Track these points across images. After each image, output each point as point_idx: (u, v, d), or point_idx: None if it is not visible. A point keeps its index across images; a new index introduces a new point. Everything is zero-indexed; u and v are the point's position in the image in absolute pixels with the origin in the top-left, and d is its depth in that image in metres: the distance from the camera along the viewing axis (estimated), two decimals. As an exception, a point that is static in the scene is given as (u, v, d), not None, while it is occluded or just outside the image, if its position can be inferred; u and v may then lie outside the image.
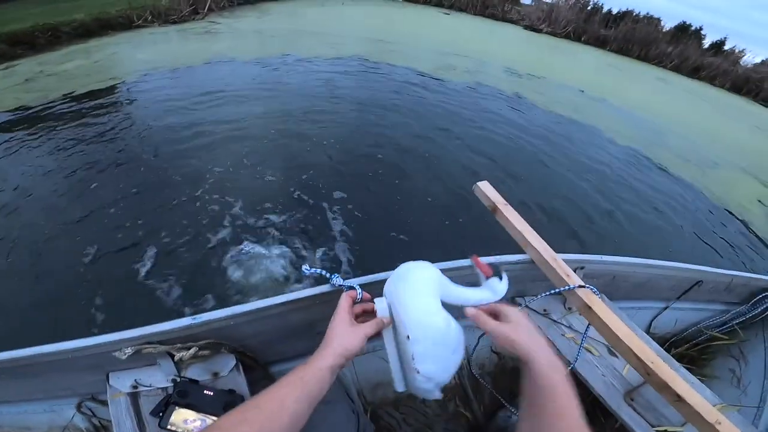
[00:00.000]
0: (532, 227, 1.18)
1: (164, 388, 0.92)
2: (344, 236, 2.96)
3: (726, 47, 25.51)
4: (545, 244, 1.11)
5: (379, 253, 2.88)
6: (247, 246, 2.70)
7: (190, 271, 2.46)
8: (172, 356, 0.88)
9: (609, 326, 0.92)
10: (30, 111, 4.14)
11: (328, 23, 11.37)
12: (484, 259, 0.96)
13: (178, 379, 0.91)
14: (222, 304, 2.26)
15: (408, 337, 0.71)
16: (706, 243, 4.16)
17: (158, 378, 0.92)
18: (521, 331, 0.69)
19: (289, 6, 13.11)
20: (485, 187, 1.25)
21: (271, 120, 4.66)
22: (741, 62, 24.14)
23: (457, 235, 3.18)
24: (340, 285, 0.88)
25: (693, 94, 15.60)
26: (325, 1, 15.30)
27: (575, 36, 21.01)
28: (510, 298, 1.36)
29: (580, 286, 0.98)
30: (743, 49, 25.66)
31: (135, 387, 0.91)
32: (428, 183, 3.87)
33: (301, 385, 0.63)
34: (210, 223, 2.87)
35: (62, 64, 5.47)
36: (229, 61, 6.62)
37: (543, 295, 1.04)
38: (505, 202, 1.21)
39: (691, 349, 1.66)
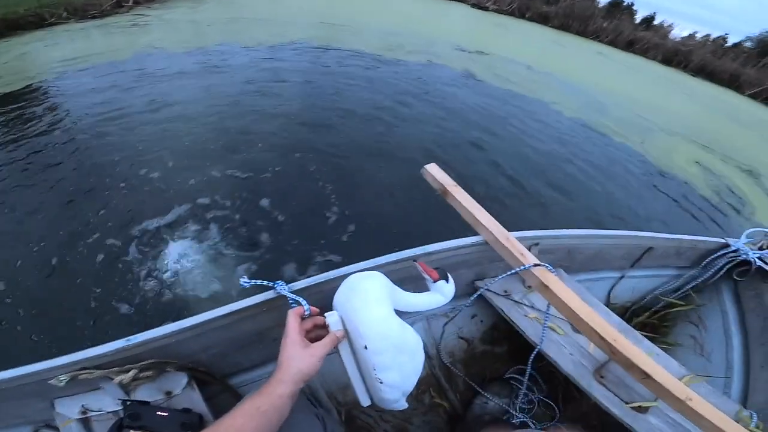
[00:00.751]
0: (484, 205, 1.14)
1: (115, 412, 0.88)
2: (286, 228, 2.84)
3: (656, 22, 27.20)
4: (497, 223, 1.05)
5: (329, 243, 2.78)
6: (179, 249, 2.52)
7: (117, 279, 2.27)
8: (112, 380, 0.84)
9: (568, 305, 0.86)
10: None
11: (271, 9, 10.84)
12: (434, 247, 0.99)
13: (128, 402, 0.86)
14: (157, 313, 2.10)
15: (366, 347, 0.70)
16: (652, 206, 4.35)
17: (106, 402, 0.87)
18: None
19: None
20: (433, 170, 1.21)
21: (208, 110, 4.42)
22: (670, 36, 25.76)
23: (407, 222, 3.11)
24: (284, 294, 0.85)
25: (629, 67, 16.53)
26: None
27: (520, 13, 21.56)
28: (471, 282, 1.32)
29: (536, 265, 0.90)
30: (671, 24, 27.48)
31: (84, 413, 0.86)
32: (377, 166, 3.77)
33: (258, 416, 0.60)
34: (138, 222, 2.67)
35: None
36: (159, 53, 6.17)
37: (501, 277, 0.97)
38: (455, 184, 1.17)
39: (652, 317, 1.66)
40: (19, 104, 4.11)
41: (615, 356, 0.83)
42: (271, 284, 0.86)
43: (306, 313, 0.77)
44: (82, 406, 0.86)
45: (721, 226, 4.32)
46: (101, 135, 3.67)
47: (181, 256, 2.47)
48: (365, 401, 0.78)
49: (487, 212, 1.10)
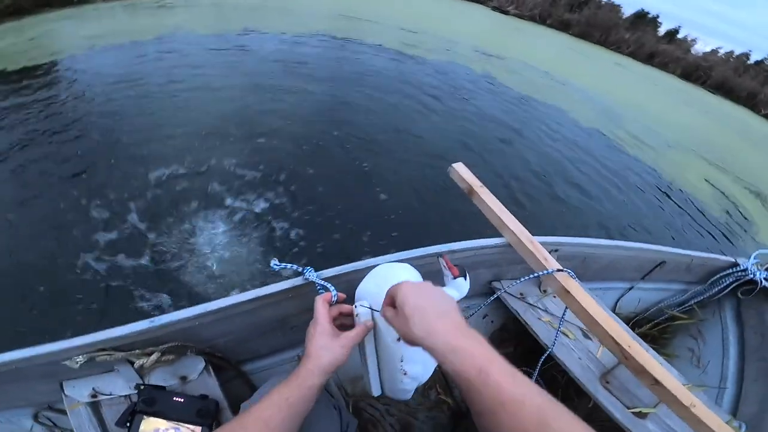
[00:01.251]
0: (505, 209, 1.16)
1: (127, 396, 0.85)
2: (309, 215, 2.87)
3: (680, 36, 26.75)
4: (522, 227, 1.09)
5: (348, 234, 2.81)
6: (209, 225, 2.56)
7: (149, 258, 2.28)
8: (132, 363, 0.81)
9: (587, 310, 0.91)
10: None
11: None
12: (457, 245, 1.03)
13: (142, 386, 0.84)
14: (185, 295, 2.11)
15: (399, 338, 0.69)
16: (661, 219, 4.38)
17: (119, 385, 0.85)
18: (411, 322, 0.56)
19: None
20: (461, 169, 1.22)
21: (229, 95, 4.46)
22: (692, 50, 25.38)
23: (429, 219, 3.15)
24: (313, 281, 0.84)
25: (647, 79, 16.39)
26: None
27: (540, 19, 21.39)
28: (488, 282, 1.35)
29: (559, 270, 0.94)
30: (695, 38, 27.09)
31: (94, 396, 0.83)
32: (400, 161, 3.82)
33: (286, 407, 0.59)
34: (164, 204, 2.68)
35: None
36: (184, 36, 6.21)
37: (523, 279, 1.01)
38: (481, 185, 1.19)
39: (653, 329, 1.70)
40: (43, 78, 4.17)
41: (627, 361, 0.87)
42: (300, 269, 0.86)
43: (333, 299, 0.76)
44: (93, 389, 0.84)
45: (724, 244, 4.39)
46: (121, 110, 3.74)
47: (205, 233, 2.51)
48: (377, 392, 0.78)
49: (512, 215, 1.13)
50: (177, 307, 1.98)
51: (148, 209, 2.60)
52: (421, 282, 0.64)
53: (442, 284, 0.81)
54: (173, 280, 2.18)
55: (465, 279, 0.79)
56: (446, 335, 0.53)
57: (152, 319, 0.79)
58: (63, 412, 0.87)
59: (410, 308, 0.57)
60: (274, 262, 0.82)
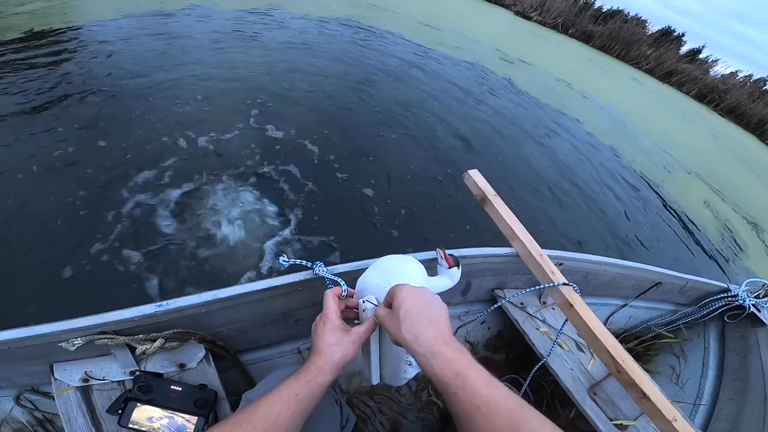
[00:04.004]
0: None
1: (121, 382, 0.82)
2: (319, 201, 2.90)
3: (701, 55, 26.15)
4: (532, 239, 1.13)
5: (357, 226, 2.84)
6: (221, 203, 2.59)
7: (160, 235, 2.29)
8: (133, 348, 0.79)
9: (587, 324, 0.95)
10: None
11: None
12: (465, 251, 1.07)
13: (138, 372, 0.82)
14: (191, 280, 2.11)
15: None
16: (658, 238, 4.49)
17: (114, 370, 0.82)
18: (402, 326, 0.58)
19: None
20: (476, 176, 1.22)
21: (254, 70, 4.54)
22: (711, 71, 24.90)
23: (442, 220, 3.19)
24: (323, 276, 0.84)
25: (662, 98, 16.35)
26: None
27: (563, 28, 21.04)
28: (491, 289, 1.39)
29: (565, 284, 0.98)
30: (717, 60, 26.44)
31: (86, 380, 0.80)
32: (413, 160, 3.84)
33: (296, 403, 0.58)
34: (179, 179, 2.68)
35: (23, 5, 4.82)
36: (210, 8, 6.28)
37: (527, 290, 1.04)
38: (495, 193, 1.20)
39: (639, 345, 1.76)
40: (61, 43, 4.10)
41: (619, 375, 0.93)
42: (309, 264, 0.84)
43: (343, 294, 0.75)
44: (85, 372, 0.80)
45: (715, 270, 4.49)
46: (140, 78, 3.73)
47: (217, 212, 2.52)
48: (376, 380, 0.80)
49: (523, 226, 1.16)
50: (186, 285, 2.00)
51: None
52: (420, 287, 0.65)
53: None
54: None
55: (458, 268, 0.81)
56: (431, 342, 0.56)
57: (159, 303, 0.77)
58: (47, 395, 0.86)
59: (404, 312, 0.59)
60: (283, 259, 0.80)
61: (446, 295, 0.79)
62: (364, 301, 0.69)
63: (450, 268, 0.80)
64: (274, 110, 3.84)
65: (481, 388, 0.51)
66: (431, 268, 0.81)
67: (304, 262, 0.83)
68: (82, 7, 5.26)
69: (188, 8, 6.01)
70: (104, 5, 5.40)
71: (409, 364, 0.74)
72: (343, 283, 0.79)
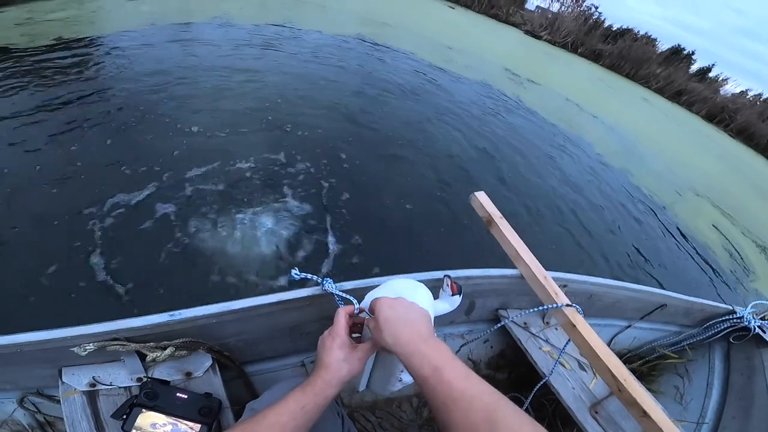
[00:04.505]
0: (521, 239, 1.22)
1: (127, 388, 0.84)
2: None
3: (711, 74, 25.90)
4: (536, 261, 1.16)
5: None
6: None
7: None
8: (143, 356, 0.82)
9: (590, 345, 0.98)
10: (12, 54, 3.80)
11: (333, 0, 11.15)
12: (470, 272, 1.11)
13: (146, 378, 0.83)
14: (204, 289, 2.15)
15: None
16: (665, 260, 4.45)
17: (121, 376, 0.84)
18: (384, 332, 0.64)
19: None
20: (482, 198, 1.25)
21: (270, 83, 4.68)
22: (722, 90, 24.71)
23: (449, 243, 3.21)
24: (332, 292, 0.86)
25: (671, 118, 16.39)
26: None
27: (572, 47, 21.18)
28: (495, 309, 1.41)
29: (568, 305, 1.01)
30: (727, 78, 26.19)
31: (93, 385, 0.82)
32: (419, 179, 3.89)
33: (302, 415, 0.60)
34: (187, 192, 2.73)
35: (53, 12, 5.07)
36: (233, 21, 6.60)
37: (531, 311, 1.07)
38: (501, 215, 1.22)
39: (643, 365, 1.76)
40: (86, 51, 4.30)
41: (621, 393, 0.94)
42: (319, 280, 0.87)
43: (356, 312, 0.77)
44: (93, 377, 0.82)
45: (723, 293, 4.44)
46: (161, 90, 3.86)
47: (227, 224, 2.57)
48: (362, 387, 0.84)
49: (528, 248, 1.18)
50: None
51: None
52: (396, 298, 0.70)
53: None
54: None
55: (460, 296, 0.84)
56: (409, 342, 0.61)
57: (171, 312, 0.79)
58: (52, 398, 0.87)
59: (382, 319, 0.65)
60: (295, 272, 0.82)
61: (450, 314, 0.84)
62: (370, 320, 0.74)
63: (453, 295, 0.84)
64: (288, 120, 3.94)
65: (457, 381, 0.54)
66: (435, 287, 0.84)
67: (314, 277, 0.86)
68: (110, 17, 5.53)
69: (211, 20, 6.32)
70: (131, 15, 5.67)
71: (399, 381, 0.79)
72: (355, 301, 0.81)
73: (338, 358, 0.67)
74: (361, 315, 0.77)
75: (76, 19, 5.07)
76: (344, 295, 0.84)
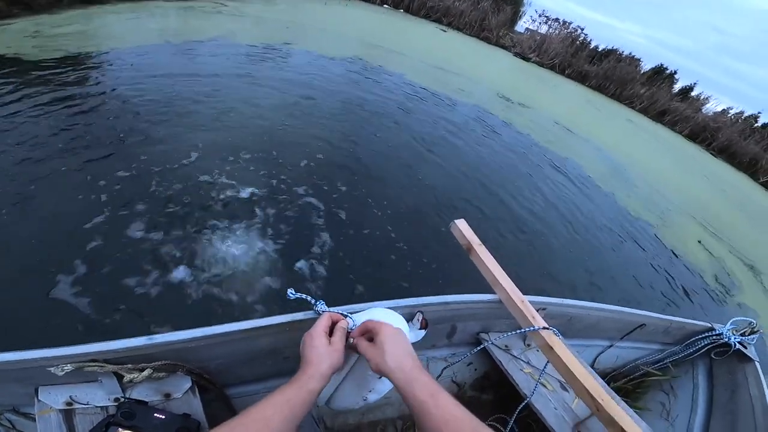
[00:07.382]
0: (502, 264, 1.25)
1: (104, 407, 0.84)
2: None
3: (693, 93, 26.47)
4: (514, 286, 1.20)
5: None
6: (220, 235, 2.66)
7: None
8: (121, 377, 0.82)
9: (567, 366, 1.02)
10: (14, 68, 3.87)
11: (331, 22, 11.77)
12: (450, 298, 1.16)
13: (122, 399, 0.83)
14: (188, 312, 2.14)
15: (380, 377, 0.84)
16: (651, 280, 4.53)
17: (98, 396, 0.84)
18: (388, 356, 0.73)
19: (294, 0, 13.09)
20: (462, 226, 1.28)
21: (267, 106, 4.80)
22: (703, 109, 25.24)
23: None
24: (324, 311, 0.89)
25: (656, 139, 16.94)
26: (328, 1, 15.31)
27: (560, 69, 21.74)
28: (476, 333, 1.44)
29: (545, 328, 1.05)
30: (708, 97, 26.79)
31: (69, 404, 0.82)
32: (402, 204, 3.88)
33: (288, 408, 0.64)
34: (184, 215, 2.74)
35: (60, 27, 5.20)
36: (231, 41, 6.87)
37: (510, 334, 1.11)
38: (480, 243, 1.26)
39: (628, 383, 1.79)
40: (86, 68, 4.35)
41: (599, 413, 0.97)
42: (313, 301, 0.89)
43: (351, 328, 0.83)
44: (70, 397, 0.82)
45: (708, 311, 4.51)
46: (165, 102, 3.98)
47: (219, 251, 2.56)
48: (322, 401, 0.89)
49: (506, 274, 1.21)
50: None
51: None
52: (397, 328, 0.80)
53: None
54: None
55: (424, 331, 0.95)
56: (410, 369, 0.71)
57: (149, 336, 0.80)
58: (28, 416, 0.87)
59: (389, 345, 0.74)
60: (291, 291, 0.86)
61: (432, 338, 0.91)
62: (350, 317, 0.86)
63: (420, 329, 0.94)
64: (276, 145, 3.97)
65: (450, 407, 0.66)
66: (405, 314, 0.93)
67: (308, 298, 0.88)
68: (113, 33, 5.67)
69: (212, 39, 6.53)
70: (134, 32, 5.84)
71: (365, 400, 0.86)
72: (350, 318, 0.86)
73: (318, 352, 0.74)
74: (351, 333, 0.84)
75: (82, 34, 5.24)
76: (339, 312, 0.88)
